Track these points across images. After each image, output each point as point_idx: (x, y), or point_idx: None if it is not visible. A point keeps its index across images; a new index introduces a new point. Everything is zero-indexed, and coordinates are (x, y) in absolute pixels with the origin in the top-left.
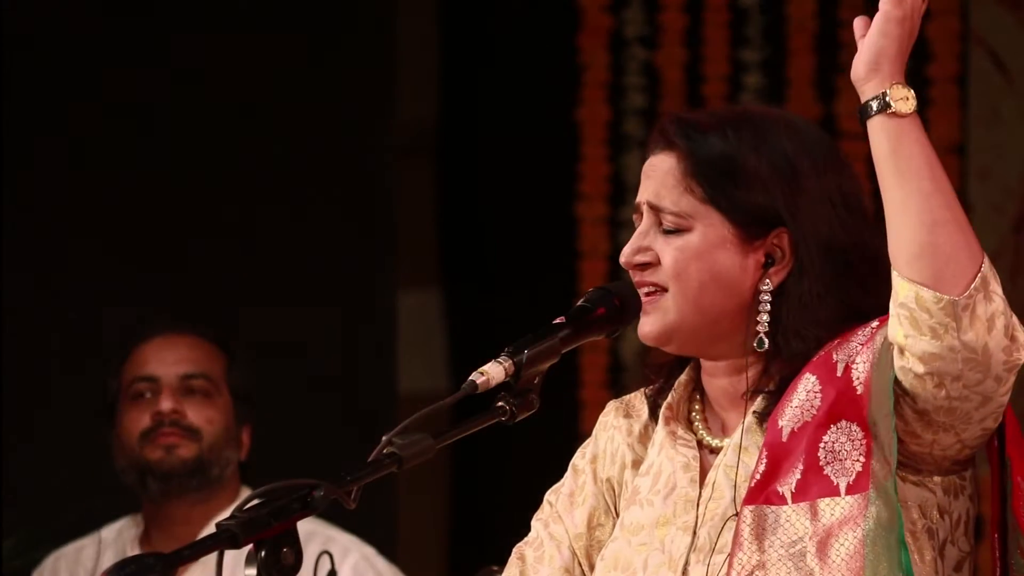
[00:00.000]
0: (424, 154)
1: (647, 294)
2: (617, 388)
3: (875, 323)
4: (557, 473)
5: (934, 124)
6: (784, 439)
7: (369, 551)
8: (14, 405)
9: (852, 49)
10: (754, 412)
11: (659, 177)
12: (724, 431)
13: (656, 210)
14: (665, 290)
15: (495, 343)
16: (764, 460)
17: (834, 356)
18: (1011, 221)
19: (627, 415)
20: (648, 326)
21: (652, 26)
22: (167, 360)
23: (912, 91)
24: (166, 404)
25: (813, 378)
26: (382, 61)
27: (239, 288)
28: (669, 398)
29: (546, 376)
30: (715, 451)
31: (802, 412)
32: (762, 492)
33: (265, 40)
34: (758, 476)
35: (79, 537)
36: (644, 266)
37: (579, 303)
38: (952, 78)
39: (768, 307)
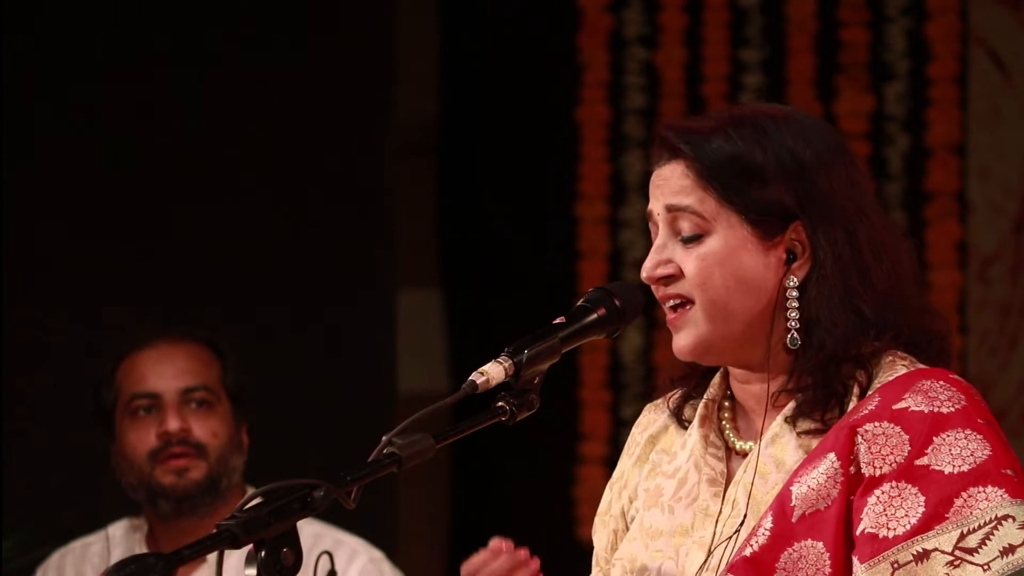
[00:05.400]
0: (424, 154)
1: (673, 308)
2: (617, 388)
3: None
4: (557, 473)
5: (934, 124)
6: (794, 519)
7: (377, 555)
8: (14, 404)
9: (852, 49)
10: (785, 418)
11: (675, 182)
12: (755, 435)
13: (677, 211)
14: (691, 302)
15: (495, 343)
16: (767, 532)
17: (856, 441)
18: (1011, 221)
19: (656, 417)
20: (682, 341)
21: (652, 26)
22: (166, 374)
23: None
24: (172, 424)
25: (835, 460)
26: (382, 61)
27: (239, 288)
28: (706, 395)
29: (546, 376)
30: (743, 454)
31: (817, 497)
32: (753, 569)
33: (265, 40)
34: (755, 547)
35: (79, 536)
36: (667, 279)
37: (579, 303)
38: (952, 78)
39: (796, 303)
